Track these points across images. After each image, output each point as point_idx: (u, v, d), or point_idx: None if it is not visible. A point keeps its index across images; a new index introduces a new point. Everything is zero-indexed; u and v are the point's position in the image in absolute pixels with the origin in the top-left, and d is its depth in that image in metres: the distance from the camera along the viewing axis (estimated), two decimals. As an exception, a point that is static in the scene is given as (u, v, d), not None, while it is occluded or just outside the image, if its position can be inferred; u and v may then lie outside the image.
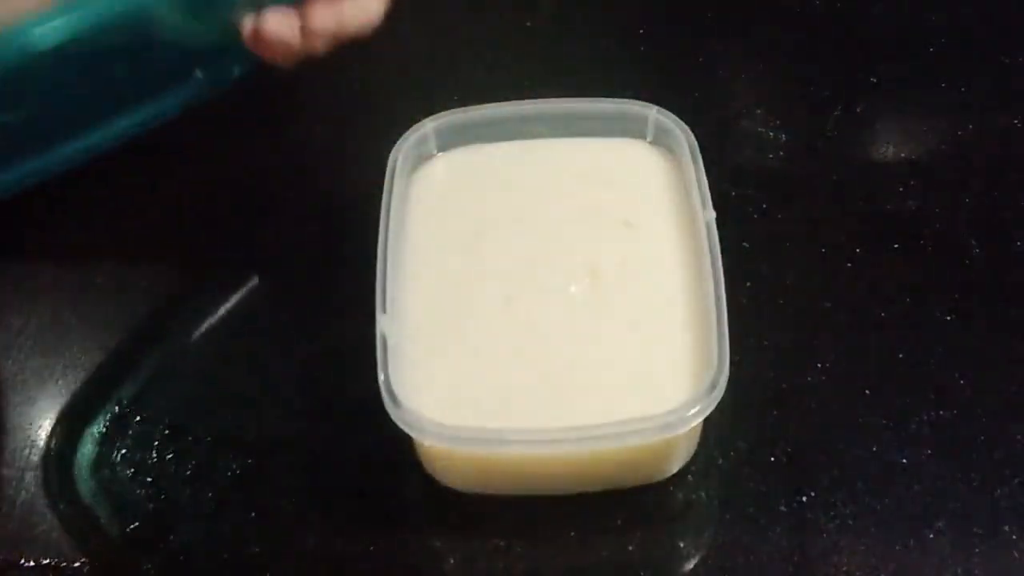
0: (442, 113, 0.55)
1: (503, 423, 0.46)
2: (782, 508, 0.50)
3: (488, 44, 0.71)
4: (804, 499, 0.51)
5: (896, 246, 0.59)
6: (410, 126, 0.54)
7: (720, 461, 0.52)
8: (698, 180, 0.51)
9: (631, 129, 0.55)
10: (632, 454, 0.48)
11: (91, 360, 0.57)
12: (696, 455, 0.51)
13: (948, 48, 0.69)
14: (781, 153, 0.64)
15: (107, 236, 0.63)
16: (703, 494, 0.51)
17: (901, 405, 0.53)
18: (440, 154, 0.55)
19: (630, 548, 0.50)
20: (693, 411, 0.44)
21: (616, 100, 0.55)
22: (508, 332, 0.49)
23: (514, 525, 0.50)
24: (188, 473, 0.53)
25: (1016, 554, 0.49)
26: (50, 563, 0.50)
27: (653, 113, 0.54)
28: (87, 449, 0.54)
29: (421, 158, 0.55)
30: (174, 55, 0.57)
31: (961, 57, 0.69)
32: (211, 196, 0.64)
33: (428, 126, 0.54)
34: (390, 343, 0.46)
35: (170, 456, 0.53)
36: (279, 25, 0.51)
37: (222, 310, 0.60)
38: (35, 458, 0.54)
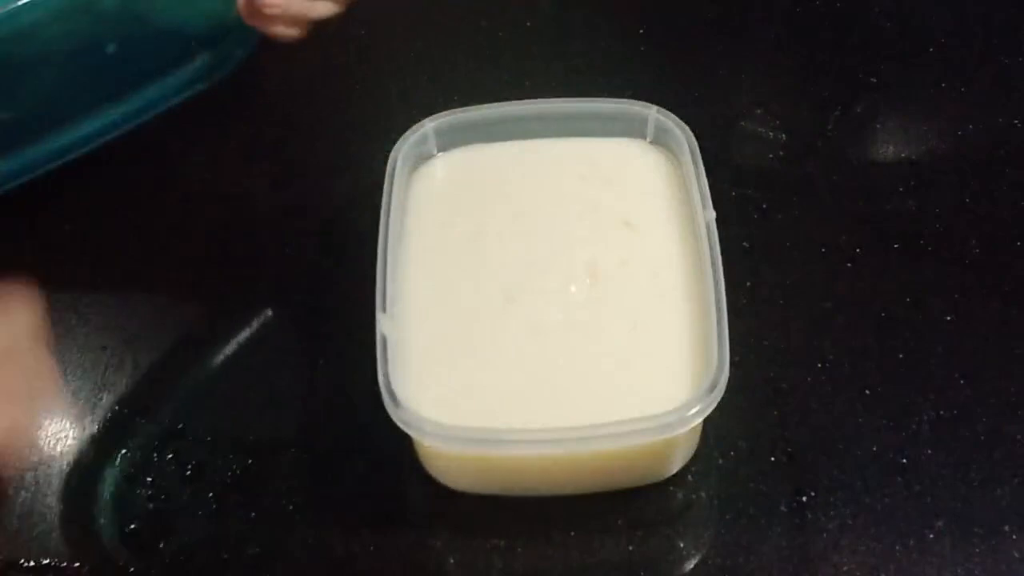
0: (442, 113, 0.55)
1: (503, 423, 0.46)
2: (782, 508, 0.50)
3: (488, 44, 0.71)
4: (804, 499, 0.51)
5: (896, 246, 0.59)
6: (410, 126, 0.54)
7: (720, 461, 0.52)
8: (698, 180, 0.51)
9: (631, 129, 0.55)
10: (632, 454, 0.48)
11: (91, 360, 0.57)
12: (696, 455, 0.52)
13: (948, 48, 0.69)
14: (781, 153, 0.64)
15: (107, 235, 0.63)
16: (703, 494, 0.51)
17: (901, 405, 0.53)
18: (440, 154, 0.55)
19: (630, 548, 0.50)
20: (693, 411, 0.44)
21: (616, 100, 0.55)
22: (508, 332, 0.49)
23: (514, 525, 0.50)
24: (188, 473, 0.53)
25: (1016, 554, 0.49)
26: (50, 563, 0.50)
27: (653, 113, 0.54)
28: (87, 449, 0.54)
29: (421, 158, 0.55)
30: (172, 39, 0.56)
31: (961, 57, 0.69)
32: (211, 196, 0.64)
33: (428, 126, 0.54)
34: (390, 343, 0.46)
35: (170, 456, 0.53)
36: None
37: (222, 310, 0.60)
38: (35, 458, 0.54)
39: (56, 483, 0.53)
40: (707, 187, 0.51)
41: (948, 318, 0.56)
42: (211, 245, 0.62)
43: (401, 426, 0.45)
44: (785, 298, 0.57)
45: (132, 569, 0.50)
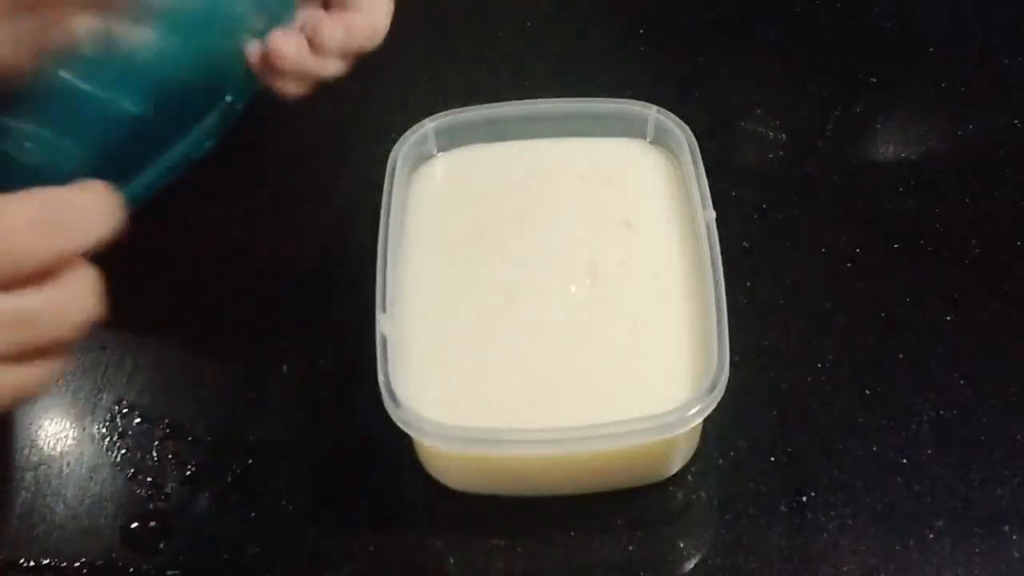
0: (442, 113, 0.55)
1: (503, 423, 0.46)
2: (782, 508, 0.50)
3: (488, 44, 0.71)
4: (804, 499, 0.51)
5: (896, 246, 0.59)
6: (410, 126, 0.54)
7: (720, 461, 0.52)
8: (698, 180, 0.51)
9: (631, 129, 0.55)
10: (632, 454, 0.48)
11: (91, 360, 0.57)
12: (696, 455, 0.52)
13: (948, 48, 0.69)
14: (781, 153, 0.64)
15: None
16: (703, 494, 0.51)
17: (901, 405, 0.53)
18: (440, 154, 0.55)
19: (630, 548, 0.50)
20: (693, 411, 0.44)
21: (616, 100, 0.55)
22: (508, 332, 0.49)
23: (514, 525, 0.50)
24: (188, 473, 0.53)
25: (1016, 554, 0.49)
26: (50, 563, 0.50)
27: (653, 113, 0.54)
28: (87, 449, 0.54)
29: (421, 158, 0.55)
30: (200, 96, 0.56)
31: (961, 57, 0.69)
32: (210, 196, 0.64)
33: (428, 126, 0.54)
34: (390, 343, 0.46)
35: (170, 456, 0.53)
36: (287, 45, 0.49)
37: (222, 310, 0.60)
38: (35, 458, 0.54)
39: (56, 483, 0.53)
40: (707, 187, 0.51)
41: (948, 318, 0.56)
42: (210, 245, 0.62)
43: (401, 426, 0.45)
44: (785, 298, 0.57)
45: (132, 569, 0.50)
